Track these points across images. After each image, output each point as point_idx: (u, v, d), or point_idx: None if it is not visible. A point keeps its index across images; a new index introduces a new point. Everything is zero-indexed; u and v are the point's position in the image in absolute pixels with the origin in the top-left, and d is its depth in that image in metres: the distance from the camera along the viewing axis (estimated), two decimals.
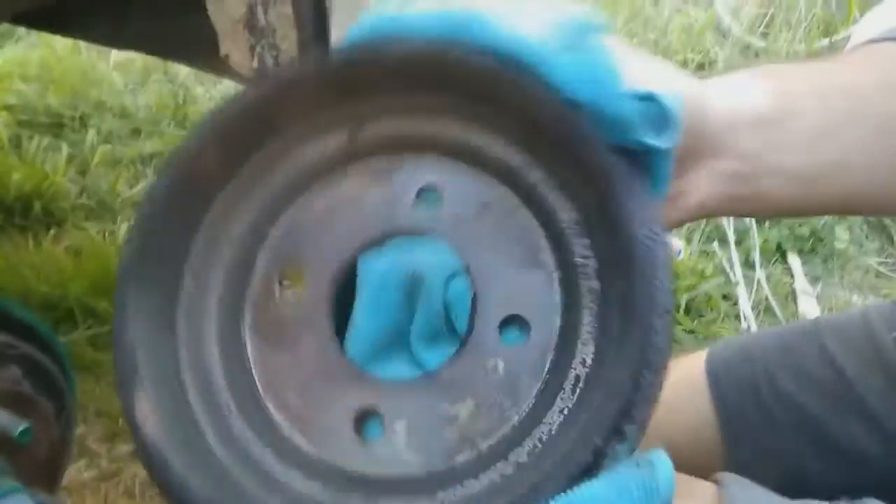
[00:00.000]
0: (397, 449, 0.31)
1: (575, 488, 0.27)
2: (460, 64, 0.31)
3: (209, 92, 1.78)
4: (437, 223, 0.34)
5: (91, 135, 1.61)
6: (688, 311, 1.36)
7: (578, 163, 0.31)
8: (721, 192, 0.40)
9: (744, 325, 1.36)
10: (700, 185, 0.39)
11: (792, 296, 1.41)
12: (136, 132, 1.66)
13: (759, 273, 1.42)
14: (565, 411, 0.31)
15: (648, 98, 0.30)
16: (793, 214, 0.49)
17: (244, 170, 0.34)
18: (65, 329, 1.19)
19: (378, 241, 0.34)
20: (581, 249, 0.32)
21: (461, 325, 0.32)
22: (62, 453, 0.69)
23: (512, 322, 0.32)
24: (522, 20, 0.30)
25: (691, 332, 1.33)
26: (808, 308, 1.39)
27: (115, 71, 1.80)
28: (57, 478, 0.71)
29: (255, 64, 0.79)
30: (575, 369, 0.31)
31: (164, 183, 0.32)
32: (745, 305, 1.38)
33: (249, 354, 0.33)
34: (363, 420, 0.32)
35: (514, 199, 0.34)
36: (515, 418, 0.31)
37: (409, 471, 0.31)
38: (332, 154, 0.35)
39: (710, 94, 0.39)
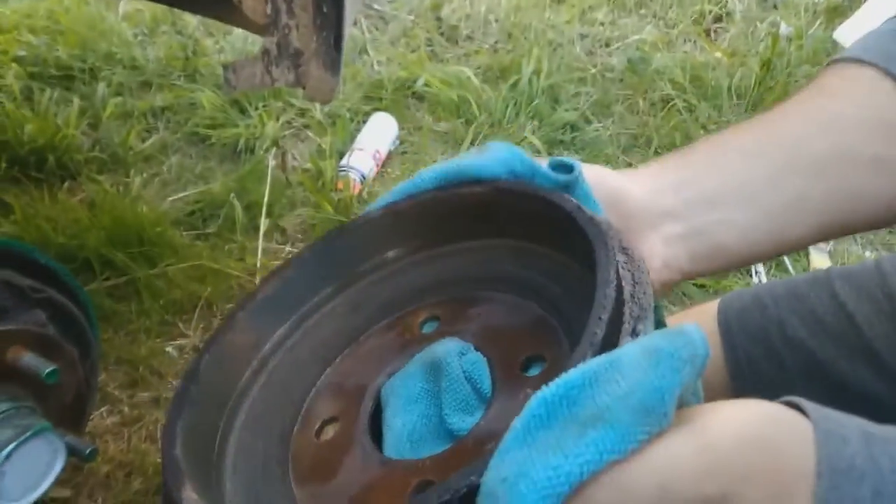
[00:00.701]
0: None
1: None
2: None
3: (219, 44, 1.76)
4: (440, 332, 0.38)
5: (102, 87, 1.60)
6: None
7: (530, 209, 0.37)
8: (680, 252, 0.44)
9: (755, 279, 1.36)
10: (655, 249, 0.43)
11: (804, 250, 1.40)
12: (146, 84, 1.65)
13: None
14: None
15: (553, 162, 0.41)
16: (772, 256, 0.51)
17: (276, 354, 0.39)
18: (83, 280, 1.20)
19: (396, 371, 0.37)
20: (555, 288, 0.36)
21: (486, 388, 0.34)
22: (87, 397, 0.71)
23: (529, 361, 0.35)
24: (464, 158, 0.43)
25: (702, 286, 1.33)
26: (821, 263, 1.38)
27: (124, 22, 1.78)
28: (82, 421, 0.73)
29: (268, 10, 0.78)
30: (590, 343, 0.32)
31: (205, 360, 0.36)
32: None
33: (298, 498, 0.34)
34: (417, 494, 0.32)
35: (496, 292, 0.38)
36: None
37: None
38: (343, 332, 0.40)
39: (630, 176, 0.44)
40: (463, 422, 0.33)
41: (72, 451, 0.63)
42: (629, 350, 0.26)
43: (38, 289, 0.63)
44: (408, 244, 0.41)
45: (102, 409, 1.08)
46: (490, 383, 0.34)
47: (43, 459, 0.59)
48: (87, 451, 0.63)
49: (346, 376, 0.39)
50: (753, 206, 0.44)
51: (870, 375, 0.60)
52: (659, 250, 0.43)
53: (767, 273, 1.37)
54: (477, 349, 0.35)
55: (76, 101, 1.55)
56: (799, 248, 0.57)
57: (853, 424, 0.28)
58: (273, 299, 0.40)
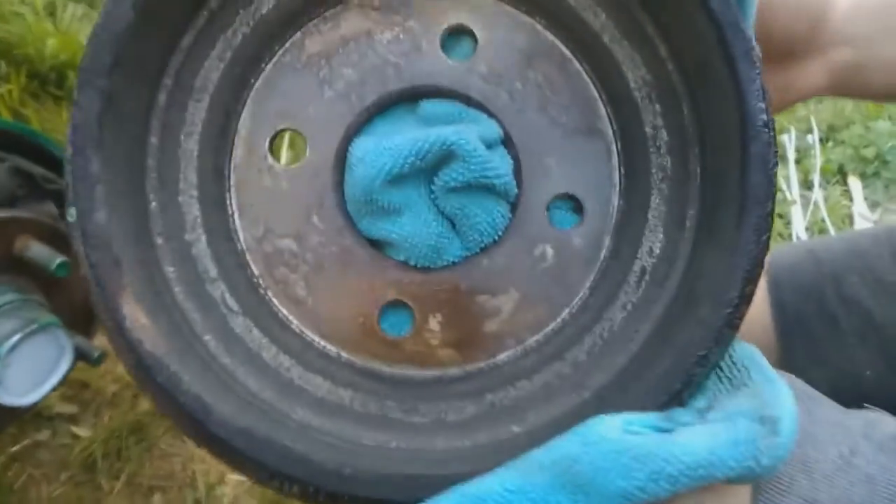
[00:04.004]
0: (431, 346, 0.27)
1: (684, 431, 0.22)
2: None
3: None
4: (468, 80, 0.27)
5: None
6: None
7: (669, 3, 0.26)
8: (829, 83, 0.41)
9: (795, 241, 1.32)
10: (811, 77, 0.41)
11: (849, 220, 1.35)
12: None
13: (817, 194, 1.37)
14: (629, 306, 0.27)
15: None
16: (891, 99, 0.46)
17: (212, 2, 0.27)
18: None
19: (395, 99, 0.27)
20: (651, 117, 0.27)
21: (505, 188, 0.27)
22: None
23: (563, 202, 0.28)
24: None
25: None
26: None
27: None
28: (92, 326, 0.70)
29: None
30: (640, 259, 0.27)
31: (119, 14, 0.24)
32: (798, 226, 1.33)
33: (241, 238, 0.27)
34: (391, 314, 0.27)
35: (567, 51, 0.28)
36: (566, 312, 0.27)
37: (445, 371, 0.27)
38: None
39: None
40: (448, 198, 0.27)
41: (79, 353, 0.60)
42: (714, 456, 0.21)
43: (51, 179, 0.59)
44: None
45: None
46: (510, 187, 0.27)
47: (49, 356, 0.57)
48: (97, 355, 0.61)
49: (318, 65, 0.28)
50: None
51: None
52: (812, 77, 0.41)
53: (811, 238, 1.33)
54: (507, 139, 0.27)
55: None
56: None
57: None
58: None
